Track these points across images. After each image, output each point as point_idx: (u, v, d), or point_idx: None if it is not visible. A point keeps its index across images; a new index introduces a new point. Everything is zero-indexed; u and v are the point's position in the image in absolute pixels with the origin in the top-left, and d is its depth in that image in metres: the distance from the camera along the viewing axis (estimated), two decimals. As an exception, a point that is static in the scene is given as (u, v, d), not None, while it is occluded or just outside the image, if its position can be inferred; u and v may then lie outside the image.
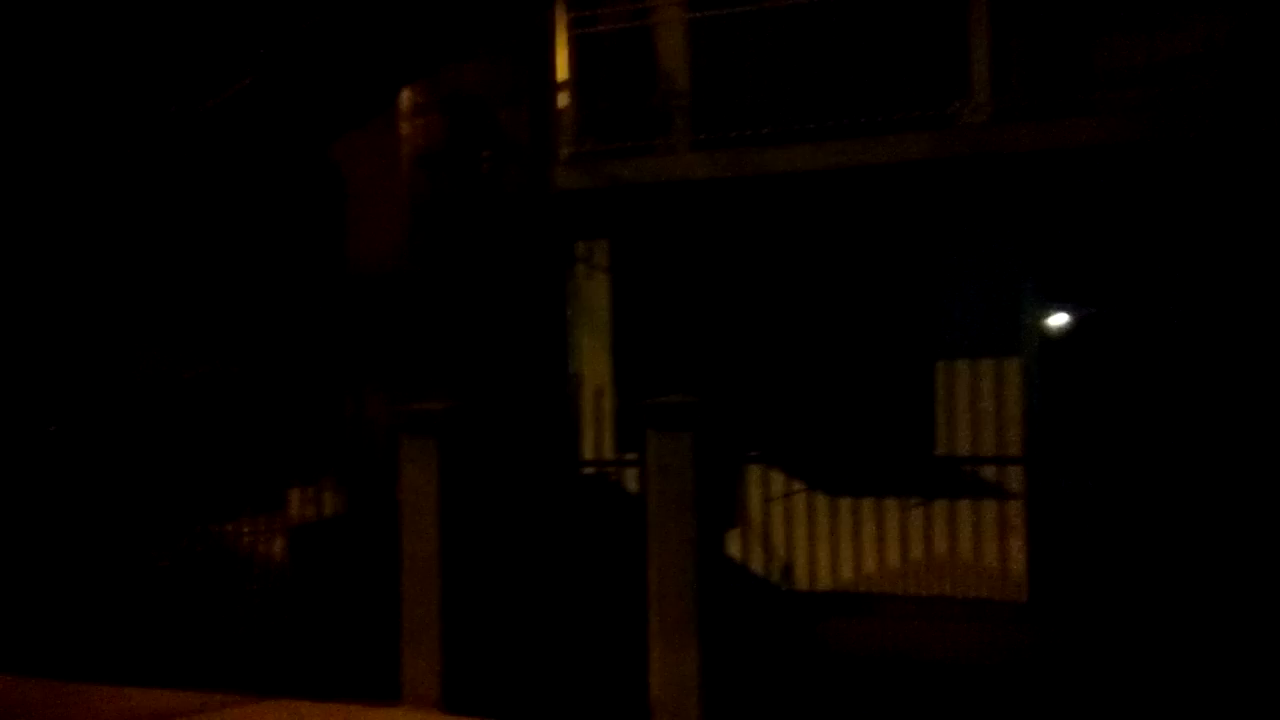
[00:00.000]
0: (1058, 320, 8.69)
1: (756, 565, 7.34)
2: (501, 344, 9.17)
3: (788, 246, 8.90)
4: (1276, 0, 7.69)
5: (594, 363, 9.02)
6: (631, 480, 6.74)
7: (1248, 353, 7.88)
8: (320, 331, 10.00)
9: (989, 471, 7.23)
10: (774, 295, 8.96)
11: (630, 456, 6.65)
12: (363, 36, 9.62)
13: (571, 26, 8.98)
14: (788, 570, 7.33)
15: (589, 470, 7.32)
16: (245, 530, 7.89)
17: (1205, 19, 7.79)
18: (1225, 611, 7.06)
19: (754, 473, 7.02)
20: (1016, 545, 7.47)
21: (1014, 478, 7.54)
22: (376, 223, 10.21)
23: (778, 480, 7.29)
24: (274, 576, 7.78)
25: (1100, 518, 7.99)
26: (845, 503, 6.95)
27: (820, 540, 6.90)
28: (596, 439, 6.82)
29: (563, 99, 9.08)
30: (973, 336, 8.08)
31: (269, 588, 7.69)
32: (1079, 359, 8.49)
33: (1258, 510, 7.50)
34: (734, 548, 7.05)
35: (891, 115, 8.16)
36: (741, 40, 8.63)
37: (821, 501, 7.03)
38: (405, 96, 9.73)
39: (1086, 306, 8.48)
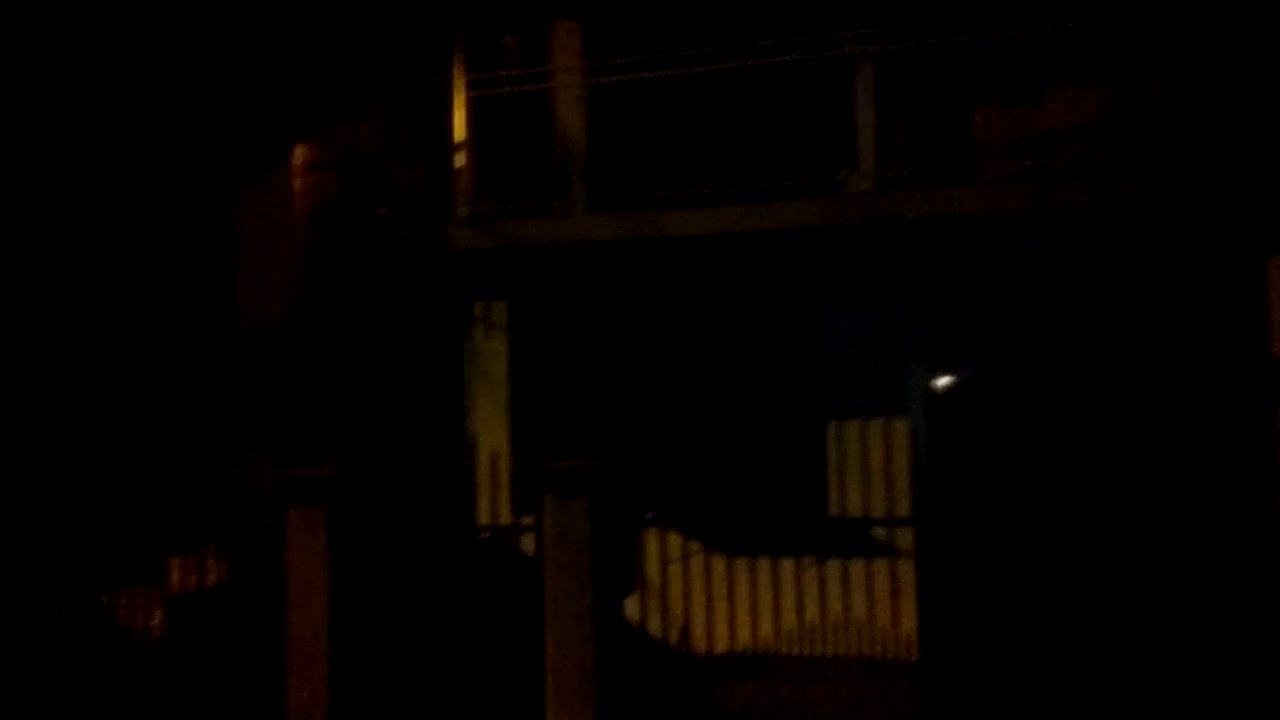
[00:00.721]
0: (945, 381, 8.97)
1: (654, 628, 7.31)
2: (396, 406, 9.03)
3: (684, 309, 9.01)
4: (1142, 79, 8.16)
5: (491, 425, 8.94)
6: (529, 545, 6.66)
7: (1127, 413, 8.24)
8: (207, 392, 9.69)
9: (880, 532, 7.37)
10: (670, 357, 9.04)
11: (527, 521, 6.57)
12: (252, 93, 9.49)
13: (469, 88, 9.00)
14: (685, 632, 7.32)
15: (485, 535, 7.20)
16: (122, 601, 7.53)
17: (1075, 94, 8.23)
18: (1110, 667, 7.30)
19: (652, 535, 7.04)
20: (907, 605, 7.60)
21: (904, 538, 7.69)
22: (268, 280, 10.00)
23: (675, 542, 7.30)
24: (153, 650, 7.44)
25: (987, 576, 8.20)
26: (742, 563, 7.00)
27: (718, 602, 6.91)
28: (493, 503, 6.73)
29: (461, 159, 9.07)
30: (863, 398, 8.26)
31: (148, 662, 7.34)
32: (965, 419, 8.75)
33: (1140, 564, 7.80)
34: (632, 611, 7.03)
35: (782, 182, 8.37)
36: (639, 106, 8.77)
37: (719, 563, 7.06)
38: (299, 153, 9.61)
39: (972, 368, 8.76)
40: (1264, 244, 7.63)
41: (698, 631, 7.11)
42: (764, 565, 7.01)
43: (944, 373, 8.85)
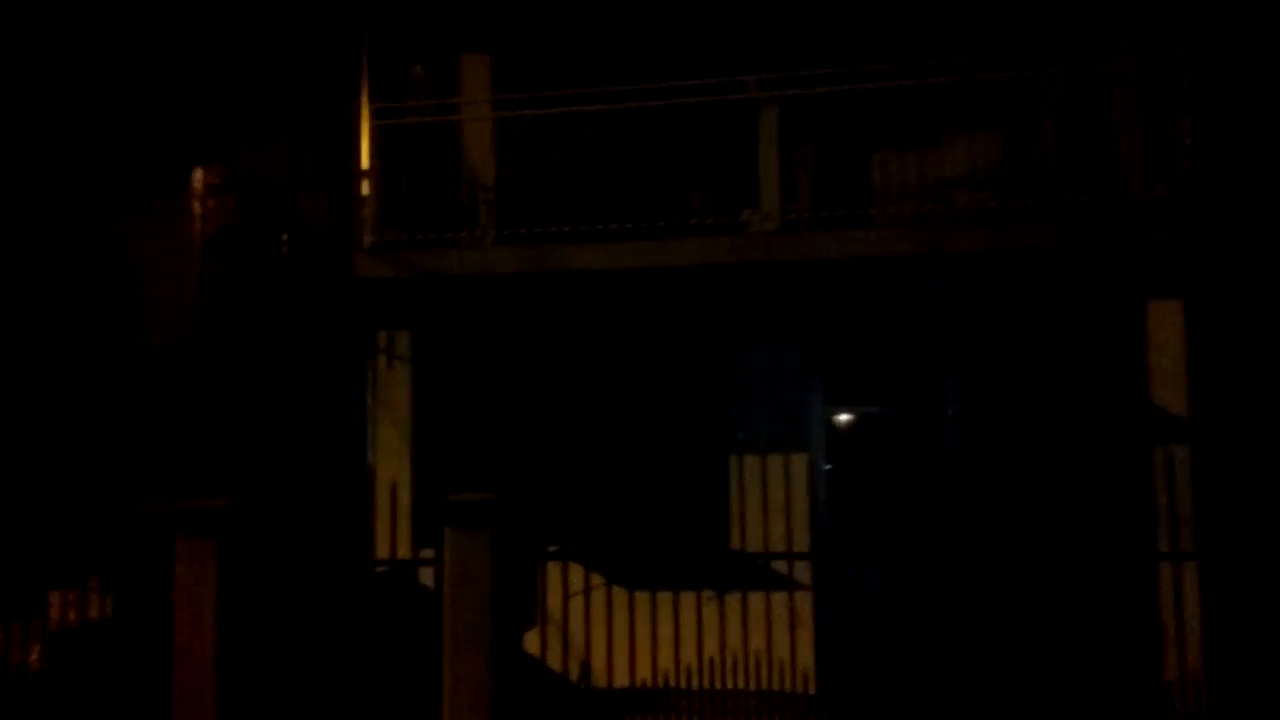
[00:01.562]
0: (844, 418, 9.17)
1: (555, 663, 7.26)
2: (294, 435, 8.85)
3: (590, 342, 9.05)
4: (1033, 130, 8.53)
5: (393, 456, 8.81)
6: (429, 578, 6.57)
7: (1018, 450, 8.53)
8: (96, 418, 9.35)
9: (779, 565, 7.47)
10: (576, 391, 9.06)
11: (427, 554, 6.48)
12: (149, 115, 9.27)
13: (375, 117, 8.94)
14: (586, 667, 7.29)
15: (382, 569, 7.08)
16: (-3, 637, 7.17)
17: (969, 142, 8.57)
18: (1001, 697, 7.51)
19: (554, 568, 6.99)
20: (804, 638, 7.71)
21: (802, 571, 7.82)
22: (165, 304, 9.74)
23: (577, 576, 7.29)
24: (30, 686, 7.09)
25: (884, 608, 8.38)
26: (643, 597, 7.01)
27: (619, 635, 6.91)
28: (392, 536, 6.62)
29: (366, 188, 8.99)
30: (764, 433, 8.40)
31: (24, 698, 7.00)
32: (865, 454, 8.95)
33: (1028, 597, 8.06)
34: (533, 645, 6.97)
35: (688, 220, 8.50)
36: (548, 140, 8.82)
37: (621, 596, 7.07)
38: (198, 176, 9.42)
39: (872, 405, 8.98)
40: (1144, 290, 8.01)
41: (598, 665, 7.09)
42: (665, 599, 7.04)
43: (845, 409, 9.05)
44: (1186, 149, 7.78)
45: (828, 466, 8.87)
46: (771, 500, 7.45)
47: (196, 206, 9.73)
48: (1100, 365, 8.38)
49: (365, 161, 9.01)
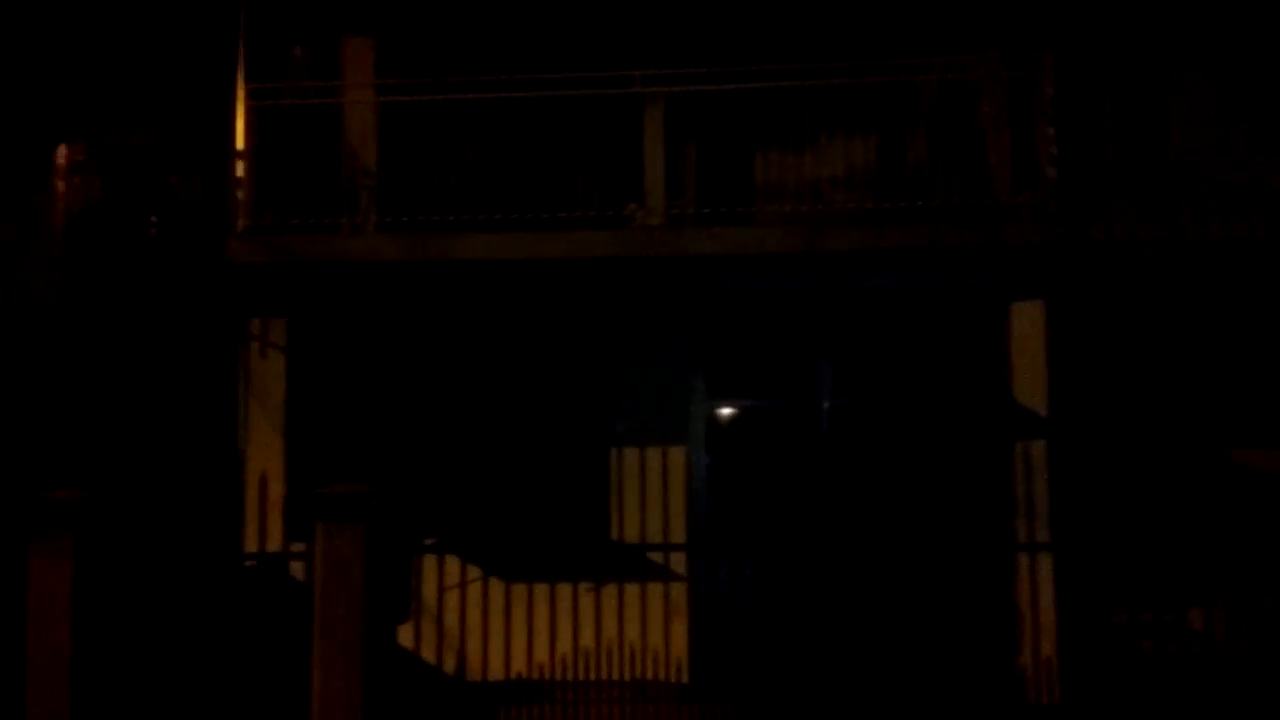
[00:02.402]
0: (725, 411, 9.31)
1: (430, 655, 7.20)
2: (160, 424, 8.54)
3: (470, 333, 8.97)
4: (906, 134, 8.79)
5: (265, 447, 8.57)
6: (301, 572, 6.44)
7: (888, 445, 8.80)
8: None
9: (656, 557, 7.55)
10: (457, 382, 8.97)
11: (298, 548, 6.35)
12: (6, 89, 8.82)
13: (251, 97, 8.66)
14: (462, 659, 7.25)
15: (252, 563, 6.90)
16: None
17: (846, 144, 8.79)
18: (871, 680, 7.75)
19: (429, 562, 6.94)
20: (679, 628, 7.81)
21: (678, 562, 7.92)
22: (23, 285, 9.28)
23: (454, 569, 7.25)
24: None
25: (757, 598, 8.56)
26: (520, 589, 7.02)
27: (494, 628, 6.90)
28: (262, 528, 6.46)
29: (241, 169, 8.71)
30: (644, 426, 8.47)
31: None
32: (744, 448, 9.11)
33: (896, 585, 8.33)
34: (407, 639, 6.90)
35: (573, 212, 8.50)
36: (433, 127, 8.70)
37: (497, 589, 7.06)
38: (61, 153, 9.00)
39: (752, 399, 9.14)
40: (1008, 291, 8.35)
41: (474, 658, 7.06)
42: (542, 591, 7.05)
43: (725, 402, 9.19)
44: (1050, 156, 8.12)
45: (707, 459, 9.00)
46: (649, 492, 7.53)
47: (60, 184, 9.29)
48: (966, 363, 8.71)
49: (241, 143, 8.73)
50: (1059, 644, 7.50)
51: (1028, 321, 8.26)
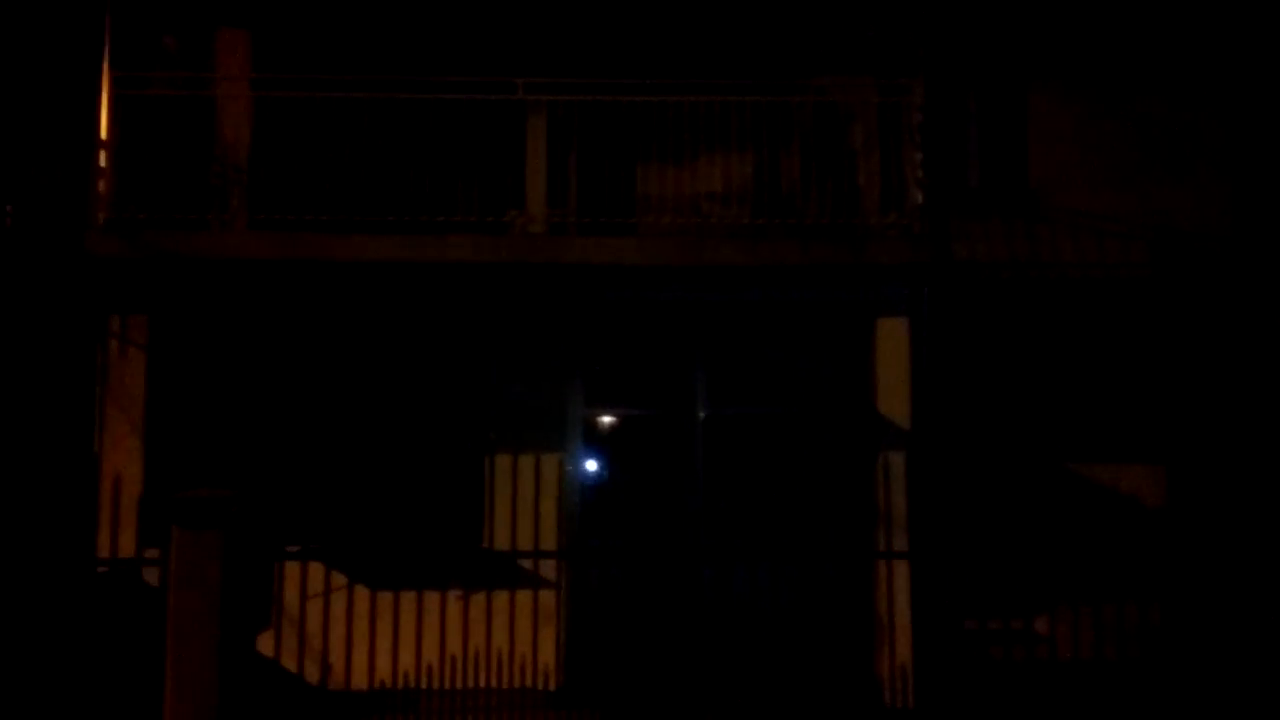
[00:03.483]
0: (601, 420, 9.37)
1: (292, 664, 7.03)
2: (9, 422, 8.12)
3: (345, 336, 8.82)
4: (782, 153, 9.01)
5: (122, 448, 8.25)
6: (155, 578, 6.21)
7: (759, 452, 8.99)
8: None
9: (527, 564, 7.54)
10: (328, 385, 8.80)
11: (152, 554, 6.13)
12: None
13: (116, 86, 8.34)
14: (326, 669, 7.10)
15: (104, 569, 6.63)
16: None
17: (725, 161, 8.96)
18: (737, 685, 7.89)
19: (292, 569, 6.76)
20: (549, 635, 7.83)
21: (550, 569, 7.92)
22: None
23: (318, 576, 7.08)
24: None
25: (629, 605, 8.63)
26: (386, 598, 6.90)
27: (360, 637, 6.77)
28: (114, 532, 6.21)
29: (104, 160, 8.37)
30: (520, 433, 8.46)
31: None
32: (621, 456, 9.18)
33: (762, 590, 8.50)
34: (268, 647, 6.72)
35: (453, 217, 8.44)
36: (309, 125, 8.53)
37: (363, 596, 6.93)
38: (-95, 136, 8.50)
39: (629, 408, 9.22)
40: (874, 308, 8.64)
41: (338, 667, 6.92)
42: (409, 599, 6.96)
43: (602, 410, 9.24)
44: (917, 180, 8.45)
45: (583, 467, 9.04)
46: (522, 500, 7.51)
47: (-98, 168, 8.78)
48: (835, 376, 8.98)
49: (104, 133, 8.39)
50: (914, 649, 7.79)
51: (892, 338, 8.56)
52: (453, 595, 6.95)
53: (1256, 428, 9.28)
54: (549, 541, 7.92)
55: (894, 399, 8.47)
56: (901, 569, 7.36)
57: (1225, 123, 9.63)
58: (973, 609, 7.59)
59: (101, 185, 8.30)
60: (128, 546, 6.54)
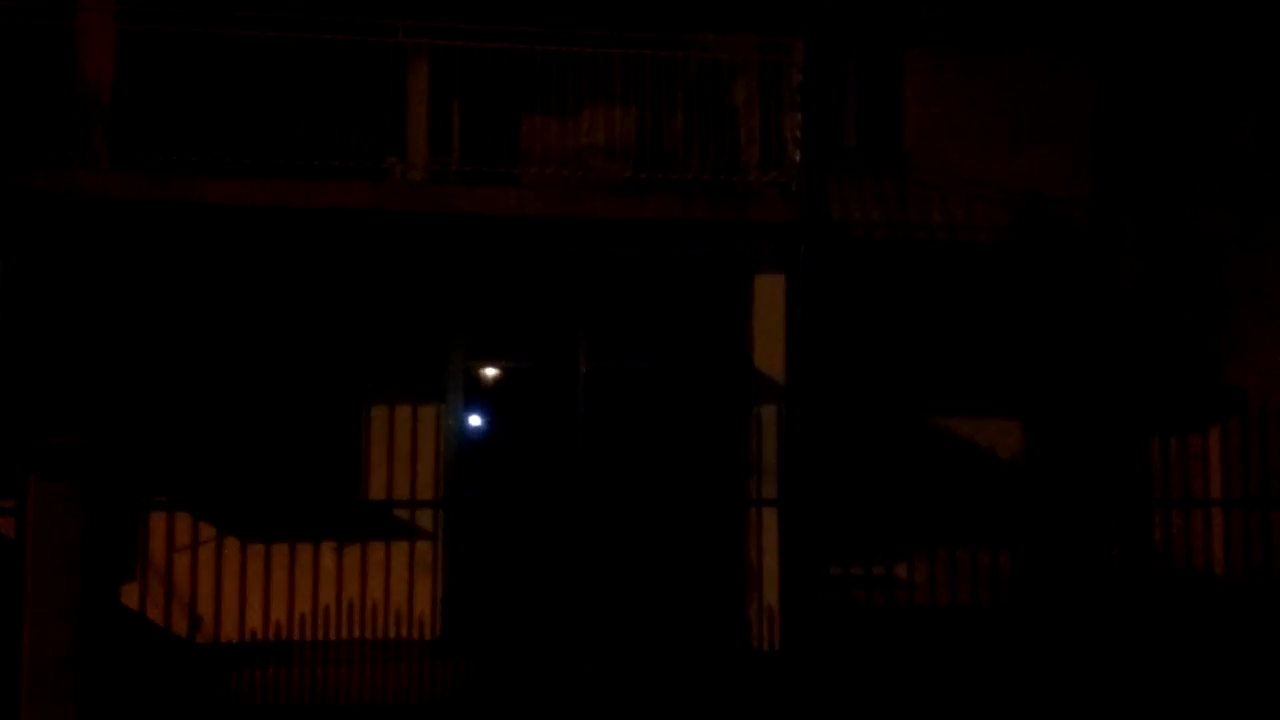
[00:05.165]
0: (483, 372, 9.35)
1: (158, 617, 6.89)
2: None
3: (217, 282, 8.57)
4: (666, 108, 9.05)
5: (-28, 395, 7.89)
6: (10, 529, 6.00)
7: (638, 404, 9.13)
8: None
9: (404, 514, 7.52)
10: (199, 331, 8.56)
11: (7, 504, 5.91)
12: None
13: (-34, 13, 7.88)
14: (195, 621, 6.99)
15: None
16: None
17: (607, 114, 8.97)
18: (613, 631, 8.07)
19: (158, 520, 6.62)
20: (425, 585, 7.84)
21: (427, 519, 7.92)
22: None
23: (185, 527, 6.93)
24: None
25: (509, 555, 8.71)
26: (257, 549, 6.80)
27: (229, 589, 6.67)
28: (-33, 483, 5.96)
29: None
30: (399, 383, 8.39)
31: None
32: (505, 408, 9.20)
33: (639, 539, 8.68)
34: (133, 600, 6.58)
35: (329, 161, 8.26)
36: (180, 61, 8.20)
37: (232, 548, 6.82)
38: None
39: (511, 360, 9.22)
40: (752, 264, 8.83)
41: (207, 619, 6.82)
42: (281, 551, 6.87)
43: (484, 362, 9.23)
44: (796, 139, 8.62)
45: (464, 418, 9.03)
46: (400, 450, 7.46)
47: None
48: (713, 331, 9.16)
49: (-49, 61, 7.91)
50: (781, 593, 8.09)
51: (769, 294, 8.76)
52: (327, 547, 6.89)
53: (1103, 383, 9.84)
54: (426, 493, 7.90)
55: (769, 354, 8.69)
56: (771, 517, 7.61)
57: (1091, 92, 10.06)
58: (838, 555, 7.89)
59: (-51, 118, 7.84)
60: (-20, 497, 6.28)
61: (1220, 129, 10.28)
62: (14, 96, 8.11)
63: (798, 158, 8.65)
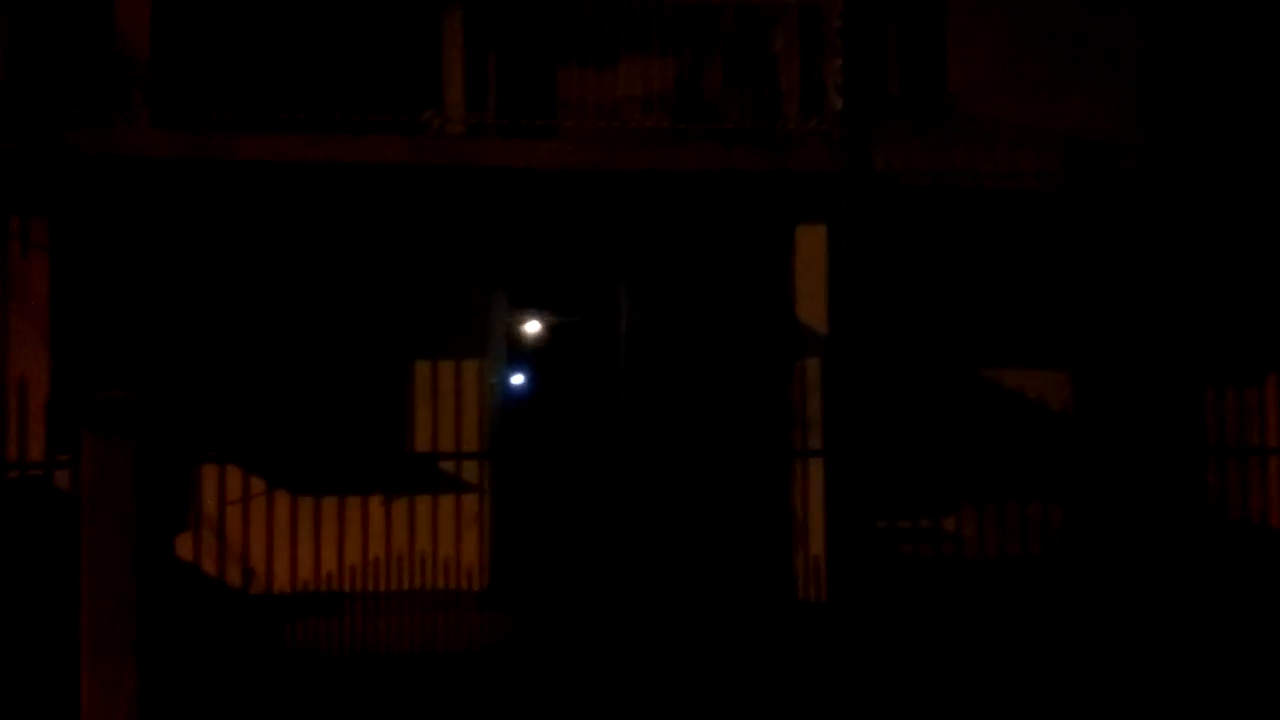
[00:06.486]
0: (525, 326, 9.36)
1: (212, 569, 7.01)
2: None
3: (260, 238, 8.62)
4: (704, 59, 8.93)
5: (27, 353, 8.01)
6: (66, 482, 6.11)
7: (684, 359, 9.10)
8: None
9: (450, 466, 7.58)
10: (245, 288, 8.62)
11: (64, 458, 6.01)
12: None
13: (5, -29, 7.90)
14: (248, 573, 7.10)
15: (14, 474, 6.49)
16: None
17: (645, 65, 8.85)
18: (659, 582, 8.12)
19: (211, 472, 6.71)
20: (472, 537, 7.92)
21: (474, 473, 7.97)
22: None
23: (237, 480, 7.03)
24: None
25: (554, 508, 8.76)
26: (307, 502, 6.89)
27: (281, 541, 6.76)
28: (21, 437, 6.06)
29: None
30: (443, 338, 8.41)
31: None
32: (547, 361, 9.22)
33: (686, 492, 8.70)
34: (186, 551, 6.69)
35: (367, 116, 8.24)
36: (215, 17, 8.19)
37: (283, 502, 6.91)
38: None
39: (554, 314, 9.23)
40: (794, 214, 8.72)
41: (259, 570, 6.93)
42: (330, 503, 6.95)
43: (526, 316, 9.23)
44: (837, 86, 8.47)
45: (507, 372, 9.06)
46: (444, 404, 7.50)
47: None
48: (755, 283, 9.08)
49: (-5, 23, 7.95)
50: (827, 545, 8.07)
51: (811, 245, 8.67)
52: (375, 500, 6.96)
53: (1155, 334, 9.67)
54: (471, 446, 7.95)
55: (812, 306, 8.61)
56: (816, 469, 7.57)
57: (1137, 33, 9.78)
58: (884, 509, 7.86)
59: (-6, 79, 7.90)
60: (37, 452, 6.40)
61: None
62: (55, 57, 8.14)
63: (839, 105, 8.50)
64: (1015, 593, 7.63)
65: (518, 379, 9.23)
